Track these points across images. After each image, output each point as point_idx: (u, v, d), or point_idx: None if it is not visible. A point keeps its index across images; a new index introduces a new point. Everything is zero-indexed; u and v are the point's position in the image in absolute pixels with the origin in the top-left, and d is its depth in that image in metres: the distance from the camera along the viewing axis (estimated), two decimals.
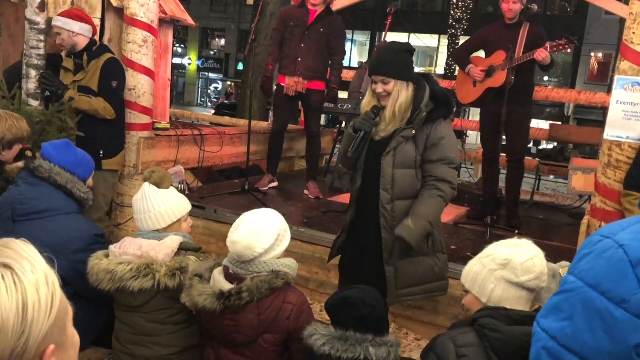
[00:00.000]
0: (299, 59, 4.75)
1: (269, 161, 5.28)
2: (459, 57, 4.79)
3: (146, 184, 2.40)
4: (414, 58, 2.68)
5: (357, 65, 22.94)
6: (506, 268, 1.79)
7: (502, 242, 1.90)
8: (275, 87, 5.03)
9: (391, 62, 2.56)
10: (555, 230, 4.74)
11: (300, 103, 5.14)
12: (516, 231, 4.36)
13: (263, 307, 2.02)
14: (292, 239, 2.22)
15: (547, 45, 4.15)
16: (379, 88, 2.57)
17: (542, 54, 4.10)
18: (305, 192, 5.10)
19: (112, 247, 2.31)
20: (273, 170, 5.24)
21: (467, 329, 1.77)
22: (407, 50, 2.62)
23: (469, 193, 5.77)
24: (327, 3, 4.81)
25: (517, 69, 4.30)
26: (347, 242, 2.82)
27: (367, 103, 2.68)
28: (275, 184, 5.23)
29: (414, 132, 2.54)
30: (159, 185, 2.38)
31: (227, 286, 2.04)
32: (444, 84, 6.82)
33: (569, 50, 4.32)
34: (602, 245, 0.92)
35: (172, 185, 2.45)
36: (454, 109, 2.65)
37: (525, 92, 4.47)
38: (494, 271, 1.81)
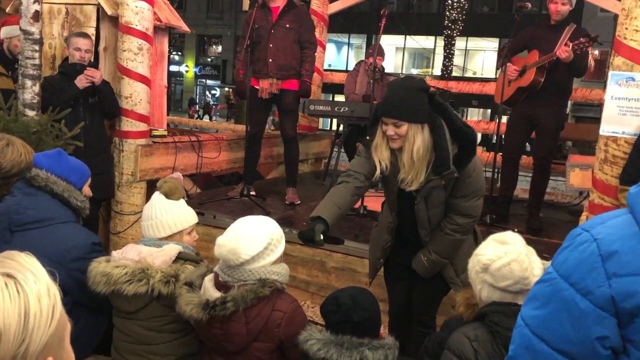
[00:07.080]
0: (270, 60, 4.58)
1: (244, 169, 4.97)
2: (500, 55, 4.69)
3: (156, 193, 2.44)
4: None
5: None
6: (487, 272, 1.83)
7: (493, 238, 1.91)
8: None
9: (404, 104, 2.31)
10: (555, 228, 4.73)
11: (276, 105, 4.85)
12: (515, 230, 4.36)
13: (250, 315, 1.99)
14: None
15: (569, 43, 4.02)
16: (390, 130, 2.34)
17: (563, 53, 3.99)
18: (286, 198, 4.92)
19: (114, 252, 2.35)
20: (249, 179, 4.95)
21: (477, 324, 1.83)
22: (421, 88, 2.35)
23: None
24: None
25: (552, 70, 4.19)
26: (389, 261, 2.80)
27: (378, 145, 2.46)
28: (253, 193, 4.86)
29: (443, 182, 2.38)
30: (168, 195, 2.41)
31: (215, 295, 2.02)
32: (440, 84, 6.81)
33: (590, 50, 4.09)
34: (580, 238, 0.94)
35: (182, 198, 2.48)
36: (477, 141, 2.44)
37: (559, 94, 4.36)
38: (478, 273, 1.86)
